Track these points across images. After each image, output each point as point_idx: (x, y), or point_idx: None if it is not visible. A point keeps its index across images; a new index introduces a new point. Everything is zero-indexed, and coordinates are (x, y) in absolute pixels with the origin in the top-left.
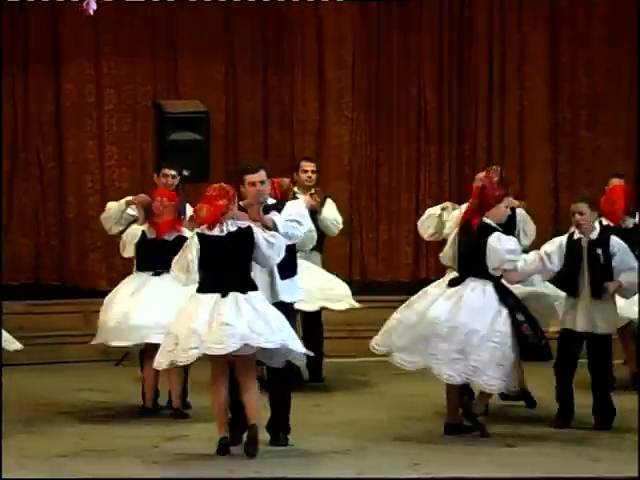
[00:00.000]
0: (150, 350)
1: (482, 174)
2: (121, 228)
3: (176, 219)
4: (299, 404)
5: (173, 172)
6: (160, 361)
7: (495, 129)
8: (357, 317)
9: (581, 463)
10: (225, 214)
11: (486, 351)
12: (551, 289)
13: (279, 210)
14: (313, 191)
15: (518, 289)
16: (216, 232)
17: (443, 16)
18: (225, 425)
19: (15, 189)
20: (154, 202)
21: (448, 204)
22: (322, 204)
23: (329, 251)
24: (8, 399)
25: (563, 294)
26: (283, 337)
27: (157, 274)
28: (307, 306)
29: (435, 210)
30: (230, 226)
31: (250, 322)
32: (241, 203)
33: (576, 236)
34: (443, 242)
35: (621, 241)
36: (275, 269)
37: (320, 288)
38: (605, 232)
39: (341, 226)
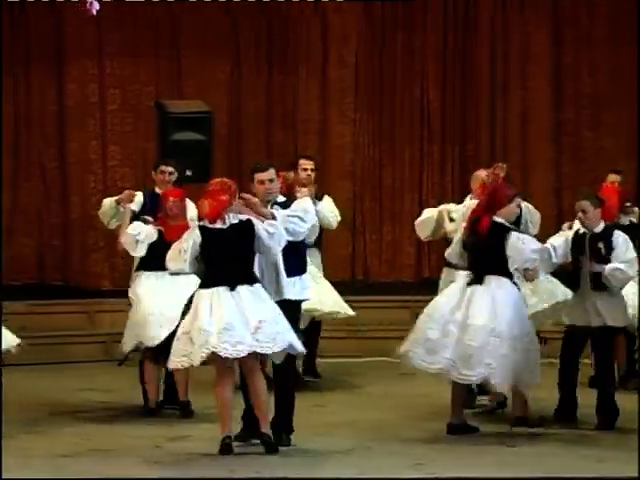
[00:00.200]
0: (150, 352)
1: (481, 172)
2: (119, 223)
3: (186, 222)
4: (301, 404)
5: (170, 169)
6: (175, 361)
7: (498, 129)
8: (360, 317)
9: (585, 464)
10: (227, 208)
11: (515, 351)
12: (554, 283)
13: (287, 207)
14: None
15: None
16: (218, 225)
17: (446, 16)
18: (229, 425)
19: (18, 189)
20: (167, 202)
21: (443, 211)
22: (320, 198)
23: (332, 251)
24: (11, 399)
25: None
26: (283, 339)
27: (173, 273)
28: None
29: (431, 212)
30: (232, 219)
31: (250, 323)
32: (242, 195)
33: (581, 231)
34: (446, 242)
35: (625, 236)
36: (281, 267)
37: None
38: (610, 227)
39: (339, 218)
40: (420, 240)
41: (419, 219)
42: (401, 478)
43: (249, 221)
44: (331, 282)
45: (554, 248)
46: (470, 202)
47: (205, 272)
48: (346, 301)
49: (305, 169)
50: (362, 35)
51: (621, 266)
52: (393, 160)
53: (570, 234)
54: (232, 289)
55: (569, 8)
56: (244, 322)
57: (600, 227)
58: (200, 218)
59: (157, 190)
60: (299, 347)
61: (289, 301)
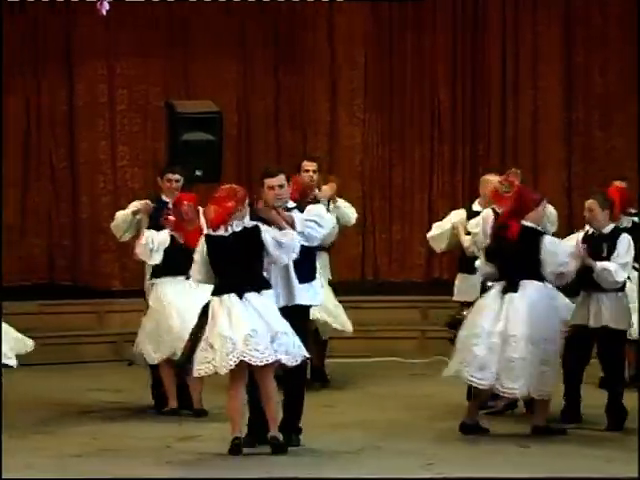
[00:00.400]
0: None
1: (490, 176)
2: (133, 234)
3: (200, 226)
4: (310, 404)
5: (177, 176)
6: (199, 370)
7: (509, 129)
8: (369, 317)
9: (596, 464)
10: (233, 215)
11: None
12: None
13: (301, 211)
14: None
15: None
16: (221, 232)
17: (456, 16)
18: (239, 426)
19: (28, 189)
20: (182, 207)
21: (459, 226)
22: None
23: (342, 251)
24: (21, 399)
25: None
26: (300, 351)
27: (189, 278)
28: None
29: (442, 228)
30: (235, 226)
31: (271, 329)
32: (259, 208)
33: (590, 232)
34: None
35: (630, 239)
36: (292, 273)
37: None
38: (618, 229)
39: (356, 215)
40: None
41: (431, 234)
42: (411, 478)
43: (255, 228)
44: (341, 282)
45: None
46: (485, 212)
47: (215, 280)
48: (355, 301)
49: (307, 170)
50: (371, 35)
51: (611, 268)
52: (403, 160)
53: (580, 235)
54: (240, 297)
55: (581, 8)
56: (266, 329)
57: (608, 228)
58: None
59: (164, 197)
60: (305, 354)
61: (300, 306)
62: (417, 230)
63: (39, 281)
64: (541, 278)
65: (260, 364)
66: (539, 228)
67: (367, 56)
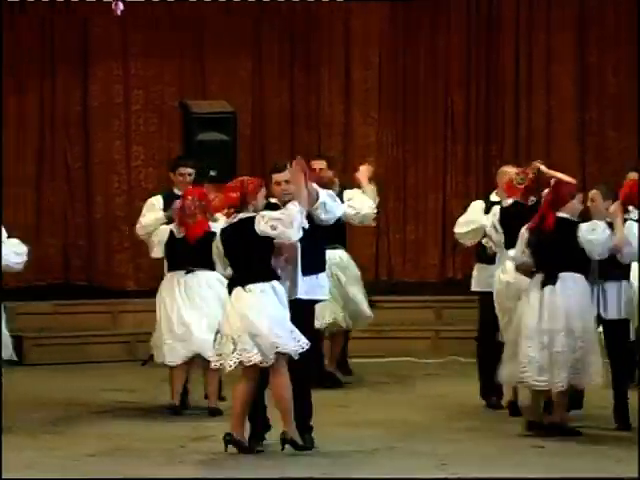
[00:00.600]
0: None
1: (508, 167)
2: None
3: (205, 221)
4: (325, 404)
5: (189, 170)
6: (214, 362)
7: (522, 129)
8: (383, 317)
9: (607, 464)
10: (234, 206)
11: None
12: None
13: None
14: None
15: None
16: (223, 225)
17: (470, 16)
18: (239, 426)
19: (43, 189)
20: (185, 201)
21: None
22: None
23: (356, 251)
24: (35, 398)
25: None
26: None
27: (189, 272)
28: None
29: (479, 219)
30: (234, 218)
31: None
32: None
33: None
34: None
35: (635, 227)
36: (298, 265)
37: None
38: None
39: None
40: (445, 240)
41: (464, 230)
42: (425, 478)
43: (250, 219)
44: None
45: None
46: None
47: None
48: (370, 301)
49: (314, 169)
50: (385, 36)
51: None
52: (417, 160)
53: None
54: (244, 289)
55: (594, 8)
56: (268, 326)
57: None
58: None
59: (176, 191)
60: (302, 345)
61: (300, 300)
62: (431, 230)
63: (54, 281)
64: (579, 269)
65: (266, 364)
66: (574, 219)
67: (381, 56)
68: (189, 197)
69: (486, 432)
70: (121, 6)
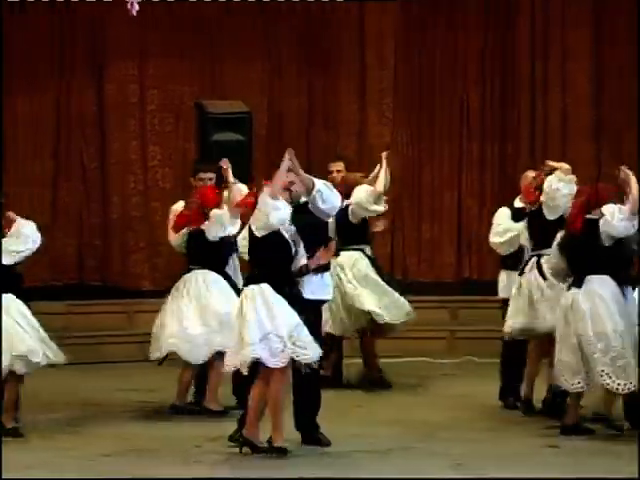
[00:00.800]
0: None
1: (531, 172)
2: None
3: (197, 214)
4: (341, 404)
5: (209, 175)
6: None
7: (538, 127)
8: None
9: (621, 464)
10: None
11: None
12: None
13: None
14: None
15: None
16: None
17: (486, 14)
18: (248, 423)
19: (58, 189)
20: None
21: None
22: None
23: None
24: (50, 399)
25: None
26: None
27: (189, 270)
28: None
29: (512, 227)
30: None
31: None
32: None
33: None
34: (486, 242)
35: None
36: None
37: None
38: None
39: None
40: (460, 239)
41: (501, 240)
42: (440, 478)
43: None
44: None
45: None
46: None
47: None
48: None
49: (331, 172)
50: (400, 35)
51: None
52: (432, 159)
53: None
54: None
55: (610, 6)
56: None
57: None
58: None
59: None
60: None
61: (307, 300)
62: (446, 229)
63: (69, 281)
64: (608, 271)
65: (279, 365)
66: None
67: (396, 55)
68: (193, 200)
69: (502, 432)
70: (137, 6)
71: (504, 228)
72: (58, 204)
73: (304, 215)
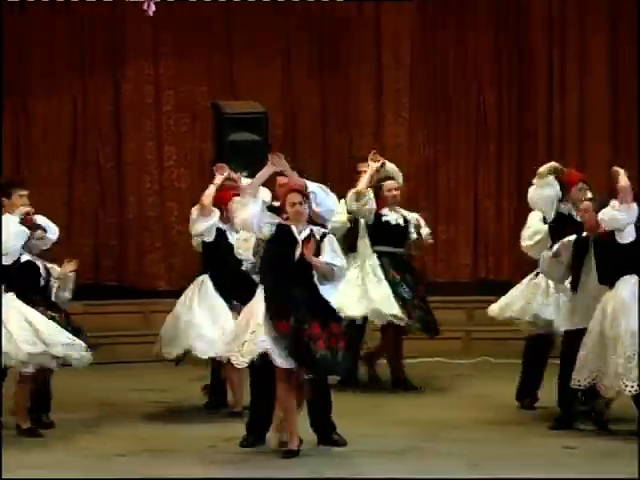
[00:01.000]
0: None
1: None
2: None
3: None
4: (357, 404)
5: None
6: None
7: (555, 129)
8: None
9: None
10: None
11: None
12: None
13: None
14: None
15: None
16: None
17: (503, 15)
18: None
19: (74, 189)
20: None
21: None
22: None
23: None
24: (67, 399)
25: None
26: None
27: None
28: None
29: (542, 229)
30: None
31: None
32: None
33: None
34: (503, 242)
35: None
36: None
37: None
38: None
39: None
40: (477, 240)
41: (531, 243)
42: (455, 479)
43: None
44: None
45: None
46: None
47: None
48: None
49: (359, 172)
50: (416, 35)
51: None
52: (448, 160)
53: None
54: None
55: (627, 8)
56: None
57: None
58: None
59: None
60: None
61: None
62: (463, 230)
63: (85, 281)
64: (630, 271)
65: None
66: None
67: (413, 55)
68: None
69: (518, 433)
70: (153, 6)
71: (533, 231)
72: (74, 204)
73: None
